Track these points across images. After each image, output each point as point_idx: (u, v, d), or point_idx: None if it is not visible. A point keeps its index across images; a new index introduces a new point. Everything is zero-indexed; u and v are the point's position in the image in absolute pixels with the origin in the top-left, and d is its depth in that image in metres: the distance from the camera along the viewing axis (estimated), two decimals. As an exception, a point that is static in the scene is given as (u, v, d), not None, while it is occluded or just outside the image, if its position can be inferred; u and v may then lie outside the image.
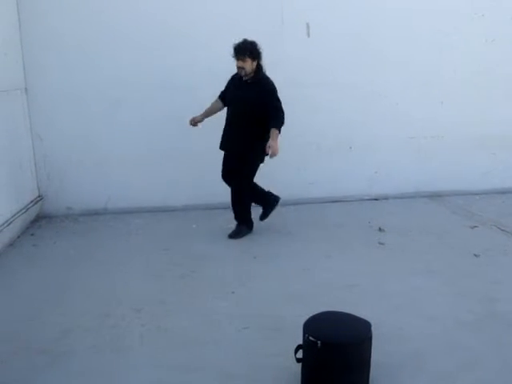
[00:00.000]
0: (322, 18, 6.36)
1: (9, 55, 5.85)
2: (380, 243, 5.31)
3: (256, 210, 5.69)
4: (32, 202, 6.23)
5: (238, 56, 5.09)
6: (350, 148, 6.74)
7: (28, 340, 3.61)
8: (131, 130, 6.41)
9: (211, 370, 3.21)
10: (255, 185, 5.56)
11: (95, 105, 6.34)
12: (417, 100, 6.74)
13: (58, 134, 6.36)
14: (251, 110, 5.18)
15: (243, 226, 5.60)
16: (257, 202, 5.71)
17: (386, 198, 6.86)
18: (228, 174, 5.52)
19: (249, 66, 5.11)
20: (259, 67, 5.17)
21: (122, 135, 6.41)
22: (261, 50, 5.13)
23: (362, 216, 6.19)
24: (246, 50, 5.05)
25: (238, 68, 5.17)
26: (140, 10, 6.18)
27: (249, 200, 5.60)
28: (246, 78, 5.21)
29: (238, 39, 5.12)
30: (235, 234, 5.56)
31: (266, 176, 6.39)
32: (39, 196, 6.45)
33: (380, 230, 5.68)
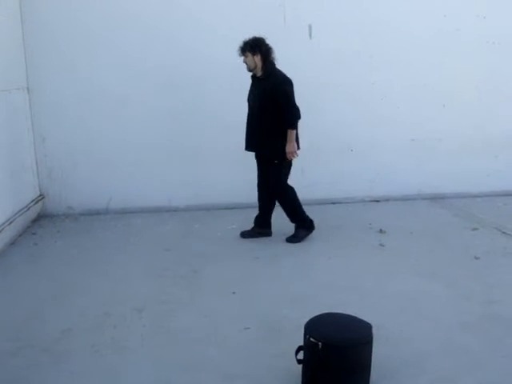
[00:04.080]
0: (323, 20, 6.36)
1: (11, 54, 5.86)
2: (381, 245, 5.32)
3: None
4: (33, 200, 6.24)
5: (239, 52, 5.14)
6: (352, 150, 6.73)
7: (29, 339, 3.62)
8: (133, 129, 6.41)
9: (212, 370, 3.22)
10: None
11: (97, 104, 6.34)
12: (418, 102, 6.74)
13: (60, 134, 6.37)
14: (260, 106, 5.14)
15: (300, 229, 5.48)
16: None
17: (387, 199, 6.86)
18: (260, 180, 5.44)
19: (250, 60, 5.11)
20: (266, 62, 5.13)
21: (124, 135, 6.41)
22: (267, 46, 5.12)
23: (364, 218, 6.20)
24: (246, 45, 5.09)
25: (245, 63, 5.20)
26: (143, 9, 6.19)
27: (293, 198, 5.40)
28: (254, 73, 5.21)
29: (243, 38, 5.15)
30: (293, 238, 5.44)
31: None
32: (40, 195, 6.46)
33: (381, 231, 5.68)
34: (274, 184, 5.34)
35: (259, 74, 5.18)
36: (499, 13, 6.65)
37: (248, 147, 5.31)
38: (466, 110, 6.82)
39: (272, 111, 5.05)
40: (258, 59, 5.10)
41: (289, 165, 5.31)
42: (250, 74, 5.25)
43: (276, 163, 5.20)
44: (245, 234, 5.58)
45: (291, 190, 5.40)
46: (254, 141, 5.25)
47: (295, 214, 5.47)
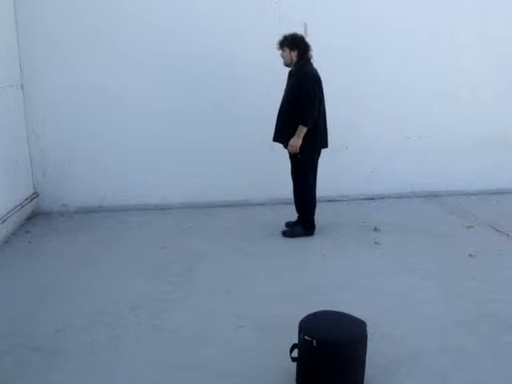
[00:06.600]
0: (319, 18, 6.35)
1: (5, 51, 5.82)
2: (376, 243, 5.32)
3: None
4: (27, 198, 6.21)
5: (277, 45, 5.24)
6: (347, 148, 6.72)
7: (22, 337, 3.60)
8: (128, 127, 6.39)
9: (207, 368, 3.21)
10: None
11: (92, 101, 6.31)
12: (413, 100, 6.75)
13: (54, 131, 6.34)
14: (288, 100, 5.24)
15: (299, 227, 5.55)
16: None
17: (382, 197, 6.87)
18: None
19: (286, 55, 5.22)
20: (301, 58, 5.20)
21: (119, 132, 6.39)
22: (305, 43, 5.22)
23: (358, 215, 6.20)
24: (285, 40, 5.20)
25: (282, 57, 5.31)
26: (138, 6, 6.17)
27: (310, 196, 5.45)
28: (289, 67, 5.33)
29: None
30: (288, 232, 5.56)
31: (264, 176, 6.45)
32: (34, 193, 6.43)
33: (376, 229, 5.69)
34: (296, 176, 5.41)
35: (292, 68, 5.30)
36: (493, 11, 6.66)
37: (275, 138, 5.39)
38: (461, 109, 6.83)
39: (295, 106, 5.12)
40: (294, 55, 5.20)
41: (313, 160, 5.37)
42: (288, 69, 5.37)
43: (299, 157, 5.26)
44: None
45: (312, 187, 5.45)
46: (279, 133, 5.32)
47: (304, 212, 5.51)
